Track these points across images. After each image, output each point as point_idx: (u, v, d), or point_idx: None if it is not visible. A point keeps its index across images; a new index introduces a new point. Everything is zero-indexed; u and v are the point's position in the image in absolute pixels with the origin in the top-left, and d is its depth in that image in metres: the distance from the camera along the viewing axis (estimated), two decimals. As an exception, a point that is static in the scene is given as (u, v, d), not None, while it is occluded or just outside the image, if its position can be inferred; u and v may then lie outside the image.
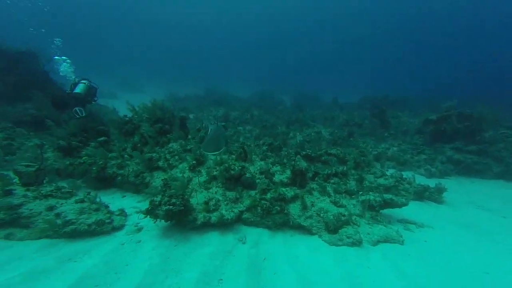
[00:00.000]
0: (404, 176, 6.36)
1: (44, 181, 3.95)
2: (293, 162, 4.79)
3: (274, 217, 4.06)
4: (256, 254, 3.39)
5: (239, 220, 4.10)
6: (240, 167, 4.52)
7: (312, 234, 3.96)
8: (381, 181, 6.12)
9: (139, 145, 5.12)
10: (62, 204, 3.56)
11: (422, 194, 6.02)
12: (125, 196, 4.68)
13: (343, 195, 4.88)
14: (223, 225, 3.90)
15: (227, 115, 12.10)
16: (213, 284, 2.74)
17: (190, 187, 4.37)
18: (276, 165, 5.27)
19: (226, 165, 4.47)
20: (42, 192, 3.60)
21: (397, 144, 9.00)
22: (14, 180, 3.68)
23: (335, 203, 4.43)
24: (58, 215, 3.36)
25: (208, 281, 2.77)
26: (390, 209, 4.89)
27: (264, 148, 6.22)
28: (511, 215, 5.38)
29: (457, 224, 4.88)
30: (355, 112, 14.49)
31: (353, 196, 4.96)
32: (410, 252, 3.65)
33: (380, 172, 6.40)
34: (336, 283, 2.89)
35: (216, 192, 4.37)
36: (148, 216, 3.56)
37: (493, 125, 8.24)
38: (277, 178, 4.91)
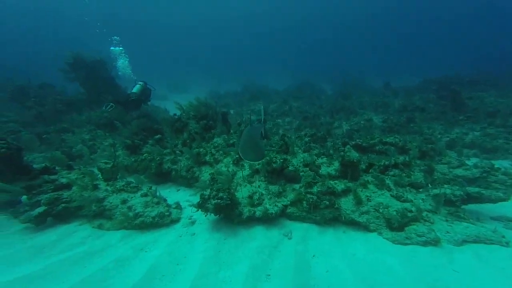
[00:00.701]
0: (496, 166, 4.96)
1: (118, 177, 4.42)
2: (342, 152, 4.27)
3: (322, 211, 3.68)
4: (304, 250, 3.10)
5: (283, 214, 3.87)
6: (282, 160, 4.30)
7: (370, 231, 3.42)
8: (460, 171, 4.93)
9: (188, 141, 5.45)
10: (132, 197, 3.92)
11: (525, 188, 4.54)
12: (179, 190, 4.91)
13: (407, 188, 4.08)
14: (268, 220, 3.73)
15: (265, 108, 11.82)
16: (262, 279, 2.62)
17: (235, 181, 4.37)
18: (322, 156, 4.83)
19: (268, 158, 4.31)
20: (117, 186, 4.03)
21: (480, 128, 7.15)
22: (98, 176, 4.27)
23: (397, 197, 3.73)
24: (130, 208, 3.71)
25: (258, 276, 2.67)
26: (479, 204, 3.84)
27: (306, 139, 5.81)
28: None
29: None
30: (415, 96, 12.37)
31: (420, 190, 4.11)
32: None
33: (457, 161, 5.17)
34: (407, 285, 2.35)
35: (259, 186, 4.25)
36: (200, 210, 3.64)
37: None
38: (323, 170, 4.47)
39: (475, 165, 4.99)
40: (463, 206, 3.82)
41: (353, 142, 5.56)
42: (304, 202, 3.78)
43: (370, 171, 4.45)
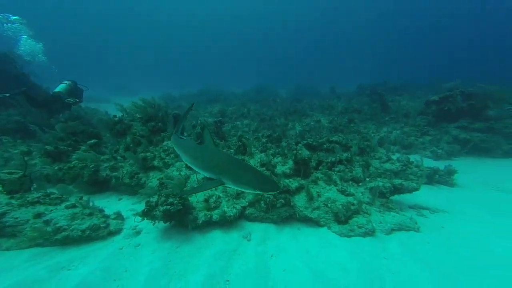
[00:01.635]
0: (411, 160, 6.07)
1: (32, 188, 3.67)
2: (295, 151, 4.47)
3: (279, 210, 3.78)
4: (264, 251, 3.14)
5: (242, 216, 3.83)
6: (240, 161, 4.22)
7: (321, 226, 3.68)
8: (388, 166, 5.82)
9: (131, 145, 4.80)
10: (51, 210, 3.32)
11: (432, 178, 5.73)
12: (121, 198, 4.42)
13: (350, 182, 4.58)
14: (226, 223, 3.62)
15: (223, 111, 11.72)
16: (220, 286, 2.53)
17: (188, 185, 4.08)
18: (277, 156, 4.96)
19: (225, 159, 4.16)
20: (28, 199, 3.34)
21: (400, 127, 8.68)
22: (-4, 189, 3.39)
23: (342, 191, 4.13)
24: (47, 222, 3.12)
25: (215, 283, 2.57)
26: (400, 195, 4.60)
27: (264, 140, 5.90)
28: None
29: (474, 207, 4.59)
30: (353, 99, 14.12)
31: (360, 184, 4.67)
32: (428, 239, 3.37)
33: (386, 156, 6.10)
34: (354, 277, 2.61)
35: (216, 189, 4.07)
36: (145, 218, 3.32)
37: (500, 102, 7.89)
38: (279, 169, 4.60)
39: (398, 159, 6.00)
40: (391, 197, 4.53)
41: (305, 142, 5.90)
42: (262, 202, 3.81)
43: (320, 168, 4.81)
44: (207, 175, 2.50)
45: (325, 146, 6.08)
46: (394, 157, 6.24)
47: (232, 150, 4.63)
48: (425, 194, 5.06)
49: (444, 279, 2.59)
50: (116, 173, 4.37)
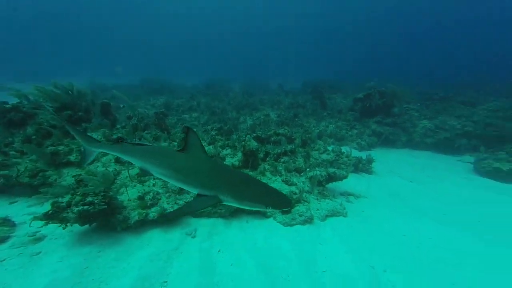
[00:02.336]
0: (342, 150, 6.99)
1: None
2: (243, 142, 4.46)
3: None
4: (210, 246, 3.04)
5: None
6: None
7: (267, 217, 3.82)
8: (324, 156, 6.52)
9: (34, 137, 3.76)
10: None
11: (357, 166, 6.75)
12: (15, 202, 3.54)
13: (293, 173, 4.91)
14: (168, 221, 3.33)
15: (168, 103, 10.67)
16: None
17: (118, 182, 3.52)
18: (226, 148, 4.84)
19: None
20: None
21: (334, 122, 9.87)
22: None
23: (286, 181, 4.39)
24: None
25: (148, 286, 2.39)
26: (334, 182, 5.23)
27: (213, 133, 5.66)
28: (416, 180, 6.48)
29: (384, 193, 5.52)
30: (299, 96, 15.17)
31: (301, 174, 5.07)
32: (352, 223, 3.93)
33: (323, 148, 6.82)
34: (292, 264, 2.82)
35: (154, 185, 3.67)
36: (51, 222, 2.77)
37: (403, 100, 9.90)
38: (228, 161, 4.51)
39: (332, 150, 6.81)
40: (326, 185, 5.11)
41: (254, 134, 5.97)
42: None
43: (267, 159, 4.98)
44: (196, 190, 1.95)
45: (272, 138, 6.31)
46: (329, 148, 7.05)
47: (176, 143, 4.23)
48: (352, 181, 5.92)
49: (361, 258, 3.04)
50: (7, 171, 3.37)
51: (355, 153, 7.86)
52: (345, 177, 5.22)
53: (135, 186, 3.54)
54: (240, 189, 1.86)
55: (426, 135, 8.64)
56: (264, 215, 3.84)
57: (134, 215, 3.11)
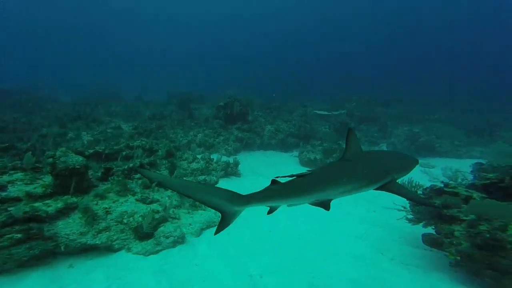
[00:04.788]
0: (211, 157, 7.00)
1: None
2: (51, 159, 2.95)
3: (12, 251, 2.18)
4: None
5: None
6: None
7: (115, 250, 2.71)
8: (194, 165, 6.17)
9: None
10: None
11: (226, 171, 7.01)
12: None
13: (155, 188, 4.05)
14: None
15: None
16: None
17: None
18: (18, 172, 3.02)
19: None
20: None
21: (202, 131, 9.93)
22: None
23: (143, 200, 3.48)
24: None
25: None
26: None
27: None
28: (271, 175, 7.75)
29: (250, 192, 6.07)
30: (162, 107, 14.01)
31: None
32: (230, 231, 3.75)
33: (192, 157, 6.46)
34: None
35: None
36: None
37: (254, 108, 12.00)
38: (18, 190, 2.78)
39: (202, 158, 6.63)
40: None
41: (91, 151, 4.36)
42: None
43: (110, 178, 3.72)
44: (376, 185, 1.90)
45: (124, 153, 4.98)
46: (199, 156, 6.81)
47: None
48: (223, 186, 6.03)
49: (240, 268, 2.87)
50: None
51: (225, 159, 8.26)
52: (216, 182, 5.14)
53: None
54: (398, 165, 2.11)
55: (271, 137, 10.90)
56: (110, 249, 2.69)
57: None
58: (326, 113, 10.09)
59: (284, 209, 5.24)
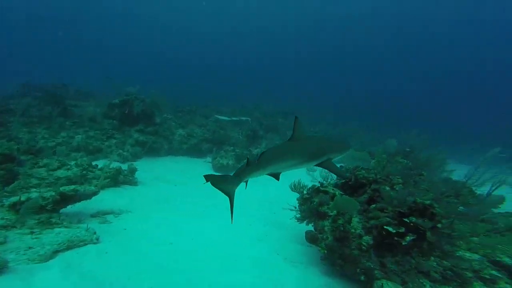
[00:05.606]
0: (94, 164, 5.38)
1: None
2: None
3: None
4: None
5: None
6: None
7: None
8: (61, 173, 4.50)
9: None
10: None
11: (117, 179, 5.56)
12: None
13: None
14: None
15: None
16: None
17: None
18: None
19: None
20: None
21: (83, 132, 7.64)
22: None
23: None
24: None
25: None
26: (78, 203, 3.65)
27: None
28: (180, 182, 6.63)
29: (151, 202, 5.03)
30: (11, 99, 9.82)
31: (-1, 205, 2.77)
32: (108, 249, 2.85)
33: (59, 163, 4.69)
34: None
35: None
36: None
37: (164, 110, 10.59)
38: None
39: (76, 164, 4.94)
40: (61, 210, 3.33)
41: None
42: None
43: None
44: (315, 162, 2.42)
45: None
46: (72, 162, 5.05)
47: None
48: (111, 197, 4.73)
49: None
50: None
51: (116, 165, 6.62)
52: (95, 193, 3.88)
53: None
54: (334, 147, 2.58)
55: (182, 142, 9.99)
56: None
57: None
58: (227, 118, 10.34)
59: (190, 215, 4.58)
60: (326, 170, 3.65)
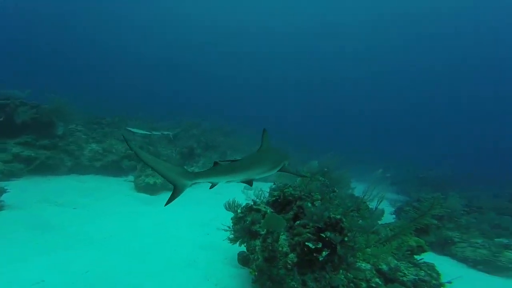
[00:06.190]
0: None
1: None
2: None
3: None
4: None
5: None
6: None
7: None
8: None
9: None
10: None
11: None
12: None
13: None
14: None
15: None
16: None
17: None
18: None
19: None
20: None
21: None
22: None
23: None
24: None
25: None
26: None
27: None
28: (81, 205, 5.49)
29: (26, 227, 3.96)
30: None
31: None
32: None
33: None
34: None
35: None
36: None
37: (69, 118, 8.38)
38: None
39: None
40: None
41: None
42: None
43: None
44: (275, 170, 2.84)
45: None
46: None
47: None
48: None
49: None
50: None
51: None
52: None
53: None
54: (286, 156, 3.11)
55: (94, 158, 8.22)
56: None
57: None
58: (145, 132, 9.40)
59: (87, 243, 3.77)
60: (259, 188, 3.98)
